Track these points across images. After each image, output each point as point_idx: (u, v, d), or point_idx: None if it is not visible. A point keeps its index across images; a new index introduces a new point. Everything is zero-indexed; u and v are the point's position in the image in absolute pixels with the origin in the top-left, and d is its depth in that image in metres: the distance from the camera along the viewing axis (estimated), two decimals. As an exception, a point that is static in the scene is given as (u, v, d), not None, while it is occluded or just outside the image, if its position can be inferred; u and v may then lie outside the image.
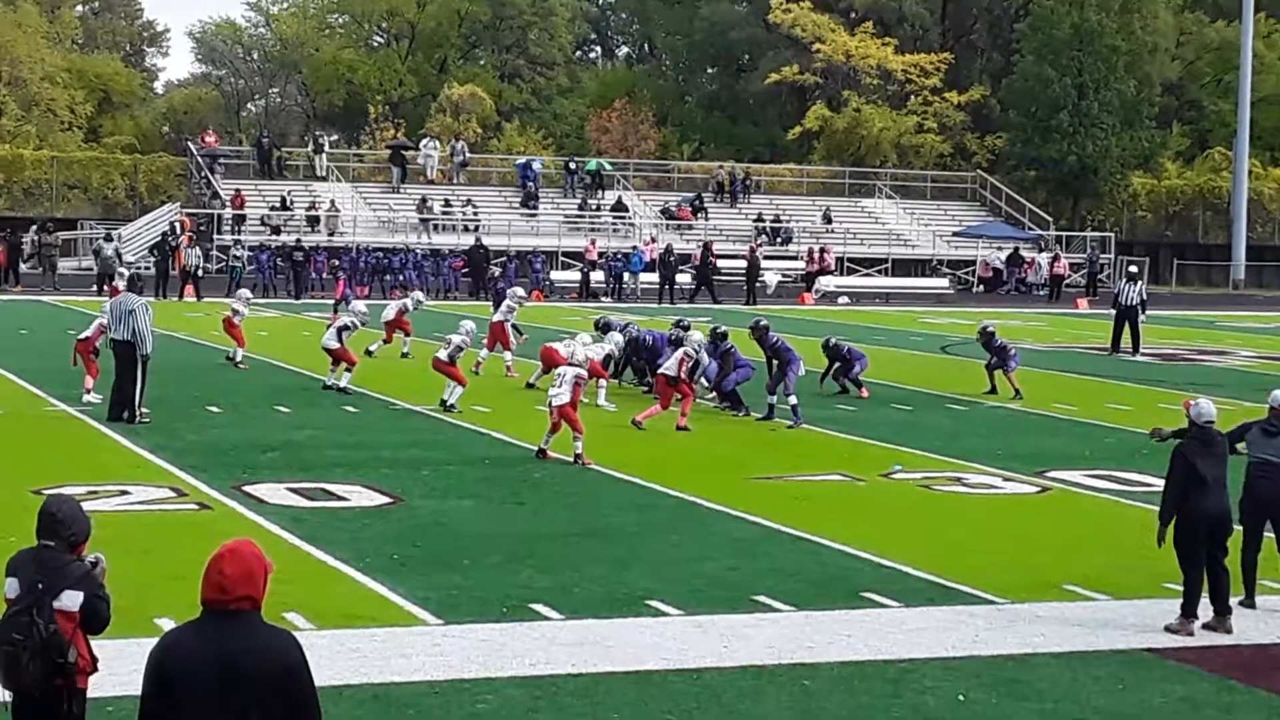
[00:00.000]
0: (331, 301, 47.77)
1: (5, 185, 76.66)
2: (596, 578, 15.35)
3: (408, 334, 35.64)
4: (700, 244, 66.78)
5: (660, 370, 26.55)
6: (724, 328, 29.10)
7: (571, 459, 21.90)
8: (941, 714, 11.53)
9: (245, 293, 36.80)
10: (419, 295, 38.00)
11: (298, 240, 62.12)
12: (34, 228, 63.13)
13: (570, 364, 23.16)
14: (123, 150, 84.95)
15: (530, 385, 29.89)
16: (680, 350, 26.46)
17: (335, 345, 28.83)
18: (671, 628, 13.67)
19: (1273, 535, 14.97)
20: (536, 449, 22.42)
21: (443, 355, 27.06)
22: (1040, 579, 15.86)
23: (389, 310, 35.88)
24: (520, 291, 36.06)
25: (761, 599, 14.67)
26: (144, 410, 24.84)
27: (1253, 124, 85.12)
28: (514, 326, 33.36)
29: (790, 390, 26.67)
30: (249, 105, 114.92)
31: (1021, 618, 14.39)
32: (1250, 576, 14.92)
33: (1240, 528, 14.67)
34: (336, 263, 57.46)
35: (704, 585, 15.16)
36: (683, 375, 26.07)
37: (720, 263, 66.55)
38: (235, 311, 33.64)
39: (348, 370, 28.76)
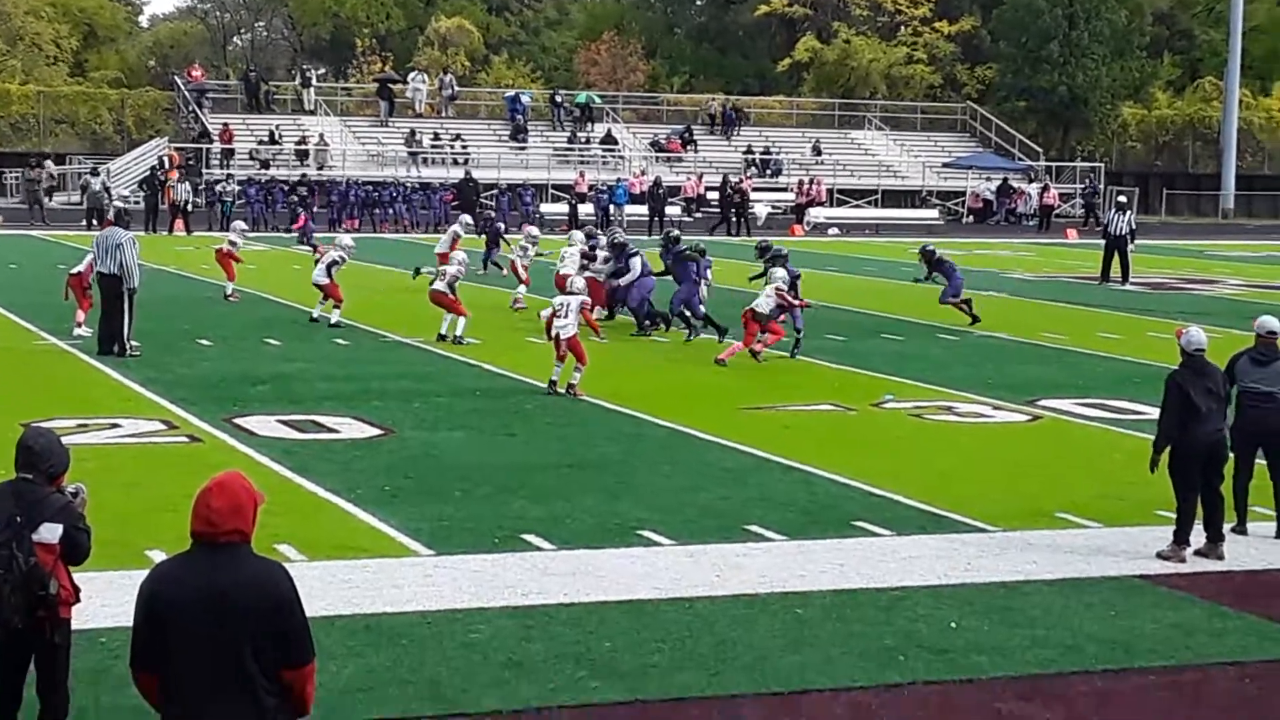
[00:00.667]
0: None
1: (-8, 120, 76.43)
2: (588, 508, 15.35)
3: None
4: (692, 175, 66.67)
5: (752, 306, 25.79)
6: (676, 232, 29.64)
7: (563, 389, 21.86)
8: (934, 641, 11.54)
9: (241, 224, 36.77)
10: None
11: (302, 175, 62.05)
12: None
13: (570, 292, 23.00)
14: (109, 85, 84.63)
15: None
16: (770, 286, 25.86)
17: (325, 281, 28.73)
18: (663, 557, 13.68)
19: (1264, 462, 14.98)
20: (547, 385, 22.19)
21: (440, 286, 26.97)
22: (1032, 507, 15.88)
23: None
24: (535, 230, 35.46)
25: (753, 528, 14.67)
26: (134, 344, 24.80)
27: (1244, 53, 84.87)
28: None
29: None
30: (235, 39, 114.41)
31: (1013, 545, 14.41)
32: (1242, 503, 14.94)
33: (1233, 455, 14.68)
34: (295, 198, 57.47)
35: (696, 515, 15.16)
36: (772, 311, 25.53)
37: (710, 195, 66.48)
38: (232, 244, 33.61)
39: (336, 307, 28.65)
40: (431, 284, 27.30)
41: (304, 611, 6.76)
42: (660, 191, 63.04)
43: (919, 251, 32.80)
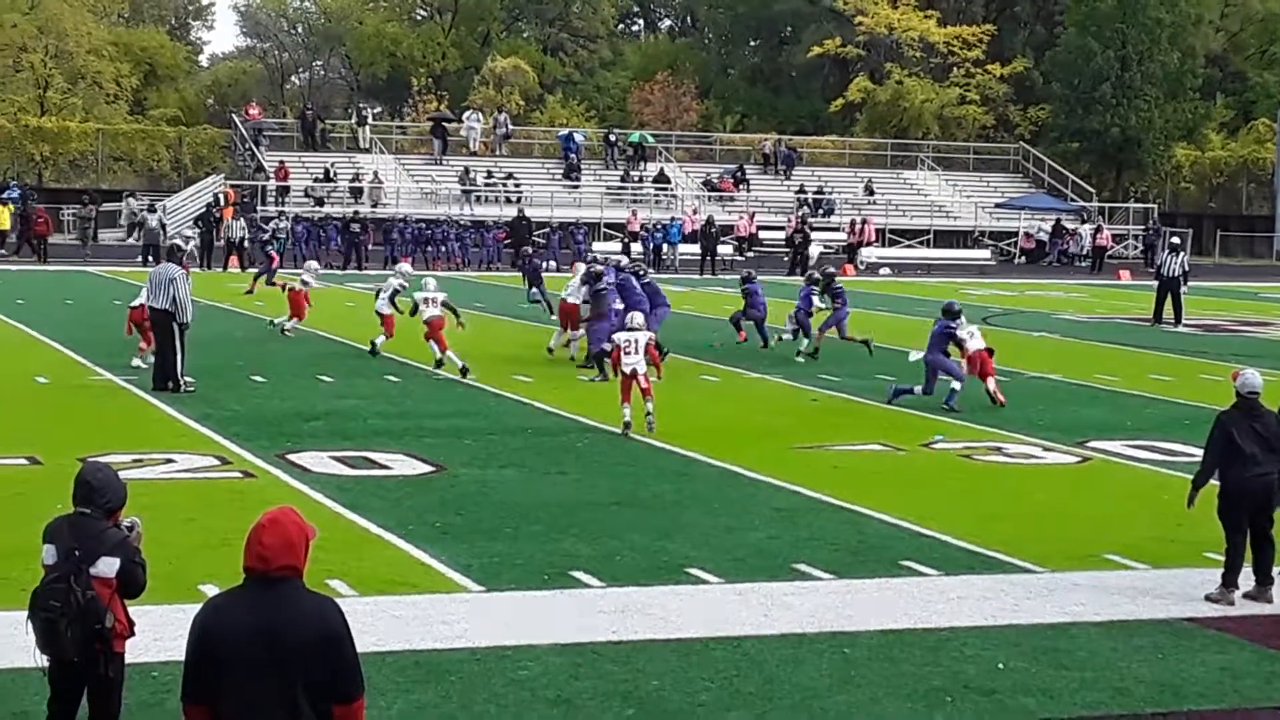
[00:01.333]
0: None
1: (52, 157, 77.06)
2: (638, 546, 15.41)
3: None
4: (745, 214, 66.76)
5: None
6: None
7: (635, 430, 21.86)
8: (981, 682, 11.56)
9: (314, 264, 36.90)
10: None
11: (355, 213, 62.42)
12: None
13: (630, 328, 23.02)
14: (168, 123, 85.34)
15: (551, 350, 30.24)
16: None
17: (387, 311, 29.44)
18: (712, 596, 13.73)
19: None
20: (621, 429, 21.99)
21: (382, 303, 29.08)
22: (1080, 548, 15.86)
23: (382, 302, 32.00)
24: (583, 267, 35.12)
25: (802, 567, 14.71)
26: (188, 379, 24.99)
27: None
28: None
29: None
30: (293, 78, 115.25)
31: (1061, 586, 14.40)
32: None
33: None
34: (273, 241, 57.09)
35: (745, 554, 15.20)
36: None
37: (762, 234, 66.61)
38: (304, 282, 33.86)
39: (386, 337, 29.34)
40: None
41: (354, 647, 6.83)
42: (713, 230, 63.16)
43: (820, 274, 33.16)
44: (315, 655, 6.67)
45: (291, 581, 6.77)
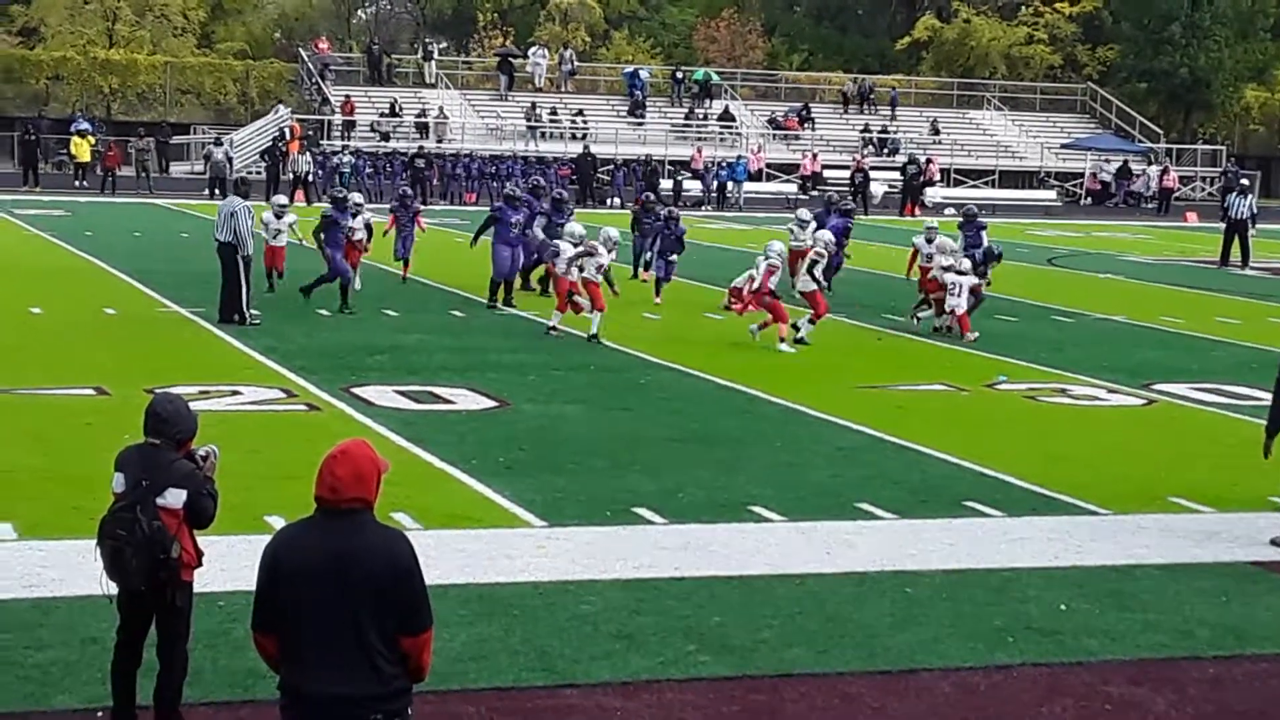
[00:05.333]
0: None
1: (120, 90, 77.34)
2: (700, 483, 15.44)
3: None
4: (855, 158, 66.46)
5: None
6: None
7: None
8: (1043, 623, 11.55)
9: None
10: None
11: (420, 148, 62.42)
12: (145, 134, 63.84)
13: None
14: (235, 56, 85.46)
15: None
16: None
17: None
18: (775, 533, 13.75)
19: None
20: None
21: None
22: (1144, 491, 15.82)
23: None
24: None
25: (864, 506, 14.72)
26: (254, 312, 25.15)
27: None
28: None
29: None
30: (359, 12, 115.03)
31: (1125, 529, 14.36)
32: None
33: None
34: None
35: (807, 492, 15.22)
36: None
37: (827, 173, 66.36)
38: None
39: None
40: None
41: (423, 580, 6.88)
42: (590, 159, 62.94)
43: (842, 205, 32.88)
44: (384, 587, 6.70)
45: (362, 514, 6.80)
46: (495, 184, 61.33)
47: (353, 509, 6.77)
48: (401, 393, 19.79)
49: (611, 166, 63.78)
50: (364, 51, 79.50)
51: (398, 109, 69.61)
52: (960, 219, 31.45)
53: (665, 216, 31.36)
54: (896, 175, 68.83)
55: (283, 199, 31.09)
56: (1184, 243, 52.25)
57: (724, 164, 65.28)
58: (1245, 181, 46.36)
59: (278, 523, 11.86)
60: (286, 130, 63.32)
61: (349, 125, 67.78)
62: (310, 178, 57.26)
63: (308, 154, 58.76)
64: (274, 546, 6.90)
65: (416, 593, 6.79)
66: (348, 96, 69.96)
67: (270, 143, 61.64)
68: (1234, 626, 11.69)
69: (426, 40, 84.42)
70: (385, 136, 67.26)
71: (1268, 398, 14.80)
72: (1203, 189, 76.66)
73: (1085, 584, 12.58)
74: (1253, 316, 30.92)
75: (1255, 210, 43.30)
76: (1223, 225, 43.82)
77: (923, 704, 10.09)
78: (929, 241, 28.51)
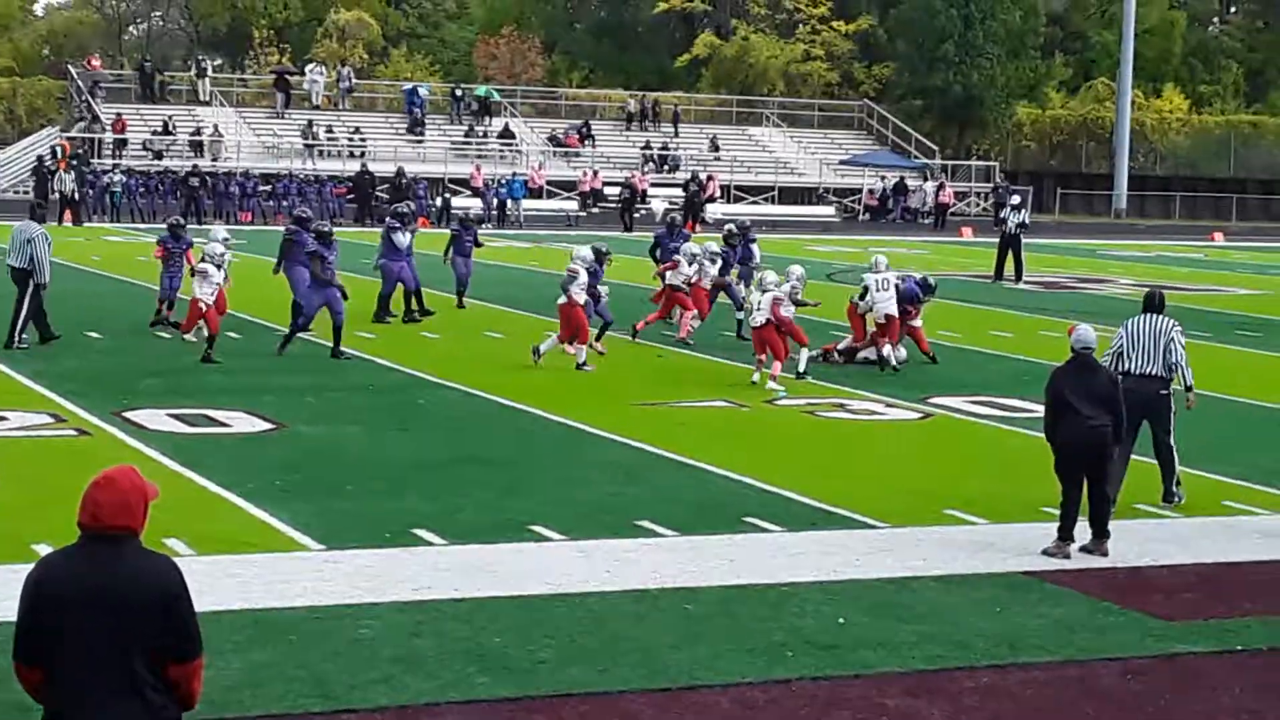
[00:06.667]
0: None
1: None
2: (480, 503, 15.34)
3: None
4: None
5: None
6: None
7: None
8: (822, 637, 11.61)
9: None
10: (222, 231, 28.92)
11: (194, 166, 61.46)
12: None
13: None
14: (2, 74, 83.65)
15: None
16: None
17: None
18: (555, 553, 13.69)
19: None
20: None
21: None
22: (921, 504, 15.99)
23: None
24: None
25: (644, 524, 14.70)
26: (24, 336, 24.57)
27: (1136, 55, 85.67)
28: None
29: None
30: (131, 29, 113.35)
31: (902, 542, 14.51)
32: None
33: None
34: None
35: (588, 511, 15.18)
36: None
37: (607, 190, 66.55)
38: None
39: None
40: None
41: (192, 607, 6.71)
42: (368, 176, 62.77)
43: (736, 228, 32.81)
44: (152, 615, 6.53)
45: (128, 540, 6.62)
46: (270, 203, 60.73)
47: (117, 536, 6.60)
48: (175, 416, 19.44)
49: (388, 185, 63.08)
50: (136, 69, 78.22)
51: (171, 127, 68.58)
52: (728, 233, 31.82)
53: (460, 220, 31.89)
54: (679, 192, 69.21)
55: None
56: (959, 258, 53.11)
57: (504, 181, 65.16)
58: (1018, 198, 47.25)
59: (45, 550, 11.55)
60: (56, 149, 62.09)
61: (120, 144, 66.64)
62: (76, 196, 56.19)
63: (72, 173, 57.63)
64: (36, 575, 6.69)
65: (185, 620, 6.63)
66: (119, 114, 68.78)
67: (37, 162, 60.39)
68: (1007, 636, 11.84)
69: (200, 57, 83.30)
70: (158, 155, 66.22)
71: (1040, 410, 15.05)
72: (977, 204, 78.03)
73: (863, 597, 12.68)
74: (1026, 330, 31.49)
75: (1028, 224, 44.14)
76: (997, 240, 44.58)
77: (703, 721, 10.09)
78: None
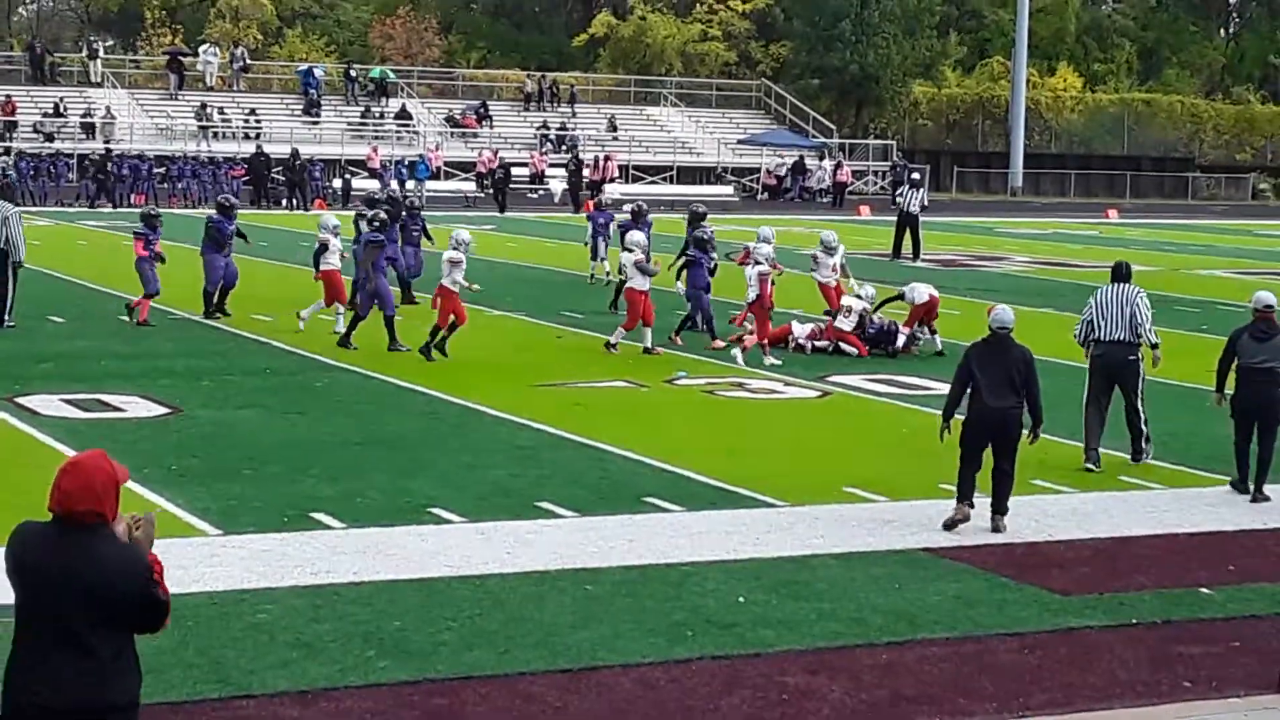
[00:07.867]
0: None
1: None
2: (379, 486, 15.27)
3: None
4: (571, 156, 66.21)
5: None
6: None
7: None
8: (721, 616, 11.63)
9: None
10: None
11: (107, 150, 60.57)
12: None
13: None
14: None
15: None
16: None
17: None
18: (455, 535, 13.65)
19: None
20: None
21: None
22: (820, 482, 16.05)
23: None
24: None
25: (544, 505, 14.68)
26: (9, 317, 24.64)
27: (1030, 33, 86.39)
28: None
29: None
30: (20, 9, 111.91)
31: (802, 520, 14.56)
32: (1244, 466, 16.00)
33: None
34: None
35: (487, 492, 15.14)
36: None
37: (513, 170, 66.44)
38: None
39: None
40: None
41: (163, 593, 6.63)
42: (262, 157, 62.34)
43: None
44: (124, 606, 6.54)
45: (98, 528, 6.61)
46: (165, 185, 60.11)
47: (86, 522, 6.55)
48: (69, 401, 19.24)
49: (282, 167, 62.40)
50: (25, 49, 77.27)
51: (62, 109, 67.80)
52: (630, 214, 31.89)
53: (408, 208, 30.66)
54: (562, 172, 69.09)
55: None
56: (858, 236, 53.24)
57: (404, 163, 64.79)
58: (916, 175, 47.52)
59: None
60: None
61: (10, 126, 65.83)
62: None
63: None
64: (21, 538, 6.67)
65: (156, 605, 6.59)
66: (8, 96, 67.86)
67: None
68: (906, 612, 11.91)
69: (91, 38, 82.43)
70: (49, 137, 65.49)
71: (939, 387, 15.16)
72: (875, 183, 78.42)
73: (763, 575, 12.71)
74: (922, 307, 31.56)
75: (926, 203, 44.39)
76: (894, 218, 44.79)
77: (604, 701, 10.08)
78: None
